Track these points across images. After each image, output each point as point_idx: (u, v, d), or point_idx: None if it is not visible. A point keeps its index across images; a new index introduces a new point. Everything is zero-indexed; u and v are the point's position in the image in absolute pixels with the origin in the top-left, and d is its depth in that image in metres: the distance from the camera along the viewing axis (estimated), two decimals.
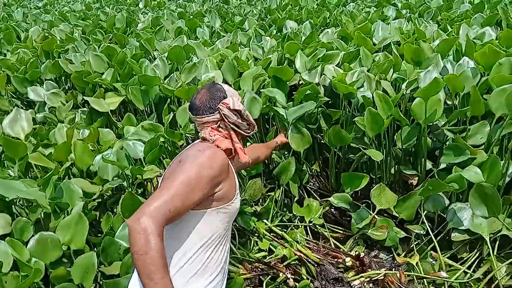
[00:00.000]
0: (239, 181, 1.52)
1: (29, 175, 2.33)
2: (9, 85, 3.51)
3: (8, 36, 4.50)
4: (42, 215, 1.90)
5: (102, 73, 3.14)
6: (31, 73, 3.37)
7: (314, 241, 2.28)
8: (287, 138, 2.33)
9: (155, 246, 1.08)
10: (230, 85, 1.54)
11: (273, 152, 2.42)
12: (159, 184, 1.43)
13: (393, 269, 1.96)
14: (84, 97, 3.04)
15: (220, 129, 1.44)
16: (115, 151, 2.08)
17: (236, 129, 1.45)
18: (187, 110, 1.62)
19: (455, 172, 1.82)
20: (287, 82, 2.65)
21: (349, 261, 1.95)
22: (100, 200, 2.11)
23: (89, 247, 1.80)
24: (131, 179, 2.11)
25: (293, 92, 2.60)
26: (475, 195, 1.66)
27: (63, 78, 3.64)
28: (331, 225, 2.40)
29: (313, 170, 2.69)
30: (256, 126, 1.51)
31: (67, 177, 2.14)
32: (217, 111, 1.42)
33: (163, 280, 1.08)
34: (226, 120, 1.42)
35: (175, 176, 1.24)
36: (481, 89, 2.24)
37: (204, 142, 1.43)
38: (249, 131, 1.49)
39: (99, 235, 1.92)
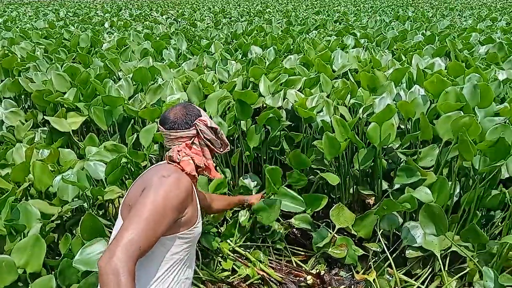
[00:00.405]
0: (201, 206, 1.51)
1: None
2: None
3: None
4: None
5: (64, 93, 3.10)
6: None
7: (277, 260, 2.32)
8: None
9: (126, 287, 1.05)
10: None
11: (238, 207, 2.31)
12: (120, 206, 1.38)
13: (352, 286, 2.03)
14: (44, 116, 2.98)
15: (193, 145, 1.43)
16: (75, 172, 2.05)
17: (210, 146, 1.45)
18: (156, 126, 1.61)
19: (407, 193, 1.93)
20: (251, 106, 2.73)
21: (310, 279, 2.00)
22: (59, 221, 2.06)
23: (46, 270, 1.74)
24: (91, 200, 2.08)
25: (256, 117, 2.68)
26: (424, 214, 1.77)
27: (22, 96, 3.55)
28: (293, 246, 2.45)
29: None
30: (229, 145, 1.53)
31: (24, 198, 2.08)
32: (193, 127, 1.42)
33: None
34: (202, 136, 1.42)
35: (141, 209, 1.18)
36: (430, 115, 2.41)
37: (169, 165, 1.39)
38: (221, 150, 1.49)
39: (57, 257, 1.87)
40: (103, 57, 3.97)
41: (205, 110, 2.79)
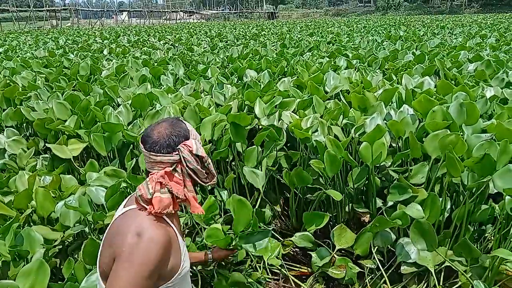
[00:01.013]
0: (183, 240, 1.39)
1: None
2: None
3: None
4: (1, 264, 1.87)
5: (65, 120, 3.19)
6: None
7: (276, 279, 2.35)
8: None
9: None
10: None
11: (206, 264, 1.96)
12: (98, 256, 1.25)
13: None
14: (46, 144, 3.05)
15: (175, 173, 1.22)
16: (77, 197, 2.11)
17: (194, 176, 1.24)
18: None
19: (399, 209, 1.99)
20: (246, 128, 2.81)
21: None
22: (61, 246, 2.11)
23: None
24: (93, 225, 2.14)
25: (252, 140, 2.75)
26: (414, 231, 1.83)
27: (24, 125, 3.64)
28: (291, 264, 2.48)
29: (274, 210, 2.81)
30: (215, 177, 1.32)
31: (27, 224, 2.13)
32: (177, 152, 1.21)
33: None
34: (185, 164, 1.22)
35: (118, 282, 1.09)
36: (420, 133, 2.50)
37: (139, 212, 1.20)
38: (207, 181, 1.27)
39: (60, 282, 1.91)
40: (102, 84, 4.08)
41: (199, 133, 2.88)
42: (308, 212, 2.44)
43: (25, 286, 1.70)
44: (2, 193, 2.36)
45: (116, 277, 1.10)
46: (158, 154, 1.21)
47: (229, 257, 1.96)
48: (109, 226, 1.24)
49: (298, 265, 2.46)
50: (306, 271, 2.39)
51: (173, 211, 1.22)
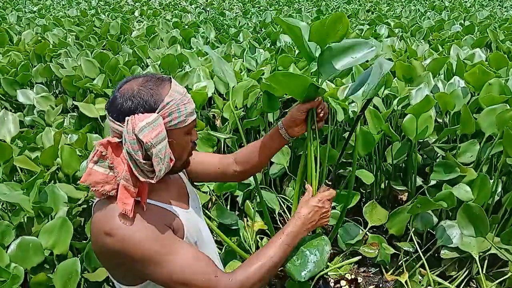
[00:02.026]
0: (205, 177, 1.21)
1: (15, 179, 2.27)
2: None
3: (0, 38, 4.46)
4: (25, 220, 1.85)
5: (93, 79, 3.12)
6: (21, 76, 3.32)
7: None
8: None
9: (248, 277, 0.95)
10: (188, 92, 0.99)
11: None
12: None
13: (381, 286, 1.94)
14: (73, 101, 3.00)
15: (123, 149, 0.91)
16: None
17: (130, 162, 0.89)
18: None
19: (445, 190, 1.82)
20: (280, 98, 2.64)
21: (345, 285, 1.92)
22: (85, 206, 2.06)
23: (72, 252, 1.74)
24: None
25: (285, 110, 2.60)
26: (462, 215, 1.66)
27: (53, 82, 3.61)
28: None
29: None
30: (155, 178, 0.91)
31: (52, 182, 2.09)
32: (124, 123, 0.89)
33: (281, 244, 1.02)
34: (123, 142, 0.89)
35: (154, 277, 0.92)
36: (470, 108, 2.26)
37: (105, 207, 0.93)
38: (145, 178, 0.90)
39: (83, 241, 1.87)
40: (132, 44, 3.98)
41: (229, 98, 2.73)
42: (337, 190, 2.28)
43: (47, 243, 1.66)
44: (30, 149, 2.33)
45: (163, 277, 0.92)
46: (109, 117, 0.92)
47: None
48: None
49: None
50: (334, 250, 2.27)
51: (108, 194, 0.92)
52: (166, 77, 0.97)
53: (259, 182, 2.45)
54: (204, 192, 2.19)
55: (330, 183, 1.20)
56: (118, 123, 0.91)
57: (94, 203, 0.99)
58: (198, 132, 2.08)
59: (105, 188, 0.91)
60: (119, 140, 0.92)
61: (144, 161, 0.89)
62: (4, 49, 4.12)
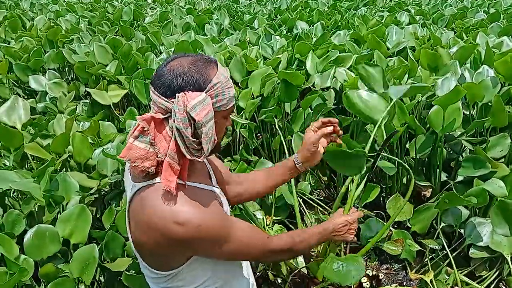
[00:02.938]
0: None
1: (26, 167, 2.23)
2: (11, 73, 3.42)
3: (13, 24, 4.42)
4: (36, 208, 1.80)
5: (106, 65, 3.05)
6: (33, 62, 3.28)
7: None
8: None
9: (292, 245, 1.11)
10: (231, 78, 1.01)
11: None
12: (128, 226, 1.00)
13: (405, 283, 1.86)
14: (86, 88, 2.95)
15: (166, 126, 0.91)
16: (115, 145, 1.98)
17: (179, 139, 0.88)
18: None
19: (476, 185, 1.71)
20: (298, 88, 2.53)
21: (366, 282, 1.84)
22: (97, 195, 2.01)
23: (90, 242, 1.69)
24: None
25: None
26: (497, 212, 1.55)
27: (66, 68, 3.56)
28: None
29: (320, 179, 2.59)
30: (204, 155, 0.91)
31: (64, 170, 2.04)
32: (173, 100, 0.88)
33: (318, 233, 1.19)
34: (173, 119, 0.88)
35: (219, 254, 0.98)
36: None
37: (152, 190, 0.92)
38: (191, 156, 0.90)
39: (98, 230, 1.82)
40: (145, 30, 3.90)
41: (247, 87, 2.63)
42: None
43: (64, 232, 1.61)
44: (41, 136, 2.28)
45: (218, 254, 0.98)
46: (156, 92, 0.91)
47: None
48: (130, 200, 0.96)
49: None
50: (355, 245, 2.19)
51: (147, 171, 0.91)
52: (213, 58, 0.96)
53: None
54: None
55: (358, 206, 1.48)
56: (166, 99, 0.89)
57: (135, 188, 0.94)
58: None
59: (145, 164, 0.90)
60: (163, 116, 0.90)
61: (193, 139, 0.88)
62: (17, 35, 4.08)
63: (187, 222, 0.88)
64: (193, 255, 0.97)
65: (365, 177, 1.53)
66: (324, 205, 2.33)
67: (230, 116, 1.01)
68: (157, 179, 0.92)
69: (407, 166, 1.61)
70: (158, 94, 0.89)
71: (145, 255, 0.98)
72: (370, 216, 2.01)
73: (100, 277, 1.69)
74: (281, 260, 1.18)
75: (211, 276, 1.03)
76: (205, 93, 0.89)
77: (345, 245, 1.85)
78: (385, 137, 1.43)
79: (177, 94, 0.87)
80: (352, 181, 1.48)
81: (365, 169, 1.32)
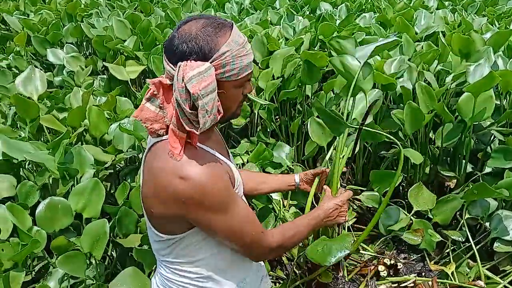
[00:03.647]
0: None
1: (41, 139, 2.21)
2: (29, 46, 3.41)
3: None
4: (50, 181, 1.78)
5: (125, 40, 3.00)
6: (52, 35, 3.25)
7: None
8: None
9: (282, 241, 1.05)
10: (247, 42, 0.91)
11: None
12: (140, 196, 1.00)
13: (423, 274, 1.80)
14: (104, 63, 2.91)
15: (173, 92, 0.87)
16: (132, 121, 1.94)
17: (177, 109, 0.85)
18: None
19: (507, 177, 1.62)
20: (321, 69, 2.44)
21: (383, 271, 1.78)
22: (112, 170, 1.99)
23: (102, 217, 1.67)
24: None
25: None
26: None
27: (84, 43, 3.52)
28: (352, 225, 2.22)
29: None
30: (203, 131, 0.87)
31: (79, 143, 2.01)
32: (176, 68, 0.84)
33: (308, 224, 1.14)
34: (173, 88, 0.85)
35: (214, 226, 0.93)
36: None
37: (162, 141, 0.91)
38: (190, 128, 0.86)
39: (111, 206, 1.79)
40: (164, 6, 3.83)
41: (267, 67, 2.55)
42: (377, 171, 2.11)
43: (77, 205, 1.59)
44: (58, 109, 2.26)
45: (211, 226, 0.93)
46: (164, 56, 0.89)
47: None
48: (144, 161, 0.96)
49: (363, 226, 2.19)
50: (372, 233, 2.13)
51: (157, 133, 0.90)
52: (228, 23, 0.90)
53: (292, 161, 2.31)
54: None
55: (345, 185, 1.38)
56: (171, 65, 0.87)
57: (150, 143, 0.95)
58: None
59: (154, 126, 0.90)
60: (170, 82, 0.88)
61: (191, 111, 0.85)
62: (36, 8, 4.05)
63: (190, 178, 0.86)
64: (187, 218, 0.91)
65: (350, 153, 1.46)
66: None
67: (248, 83, 0.95)
68: (166, 123, 0.91)
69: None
70: (166, 59, 0.88)
71: (150, 213, 0.96)
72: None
73: (112, 252, 1.67)
74: (271, 258, 1.10)
75: (217, 253, 1.00)
76: (210, 62, 0.84)
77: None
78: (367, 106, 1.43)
79: (179, 63, 0.83)
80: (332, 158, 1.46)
81: (344, 135, 1.38)
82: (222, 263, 1.01)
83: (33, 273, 1.57)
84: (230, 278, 1.03)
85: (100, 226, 1.48)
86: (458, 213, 1.82)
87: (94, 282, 1.45)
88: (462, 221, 1.73)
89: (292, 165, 2.20)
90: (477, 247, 1.73)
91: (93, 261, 1.49)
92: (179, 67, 0.83)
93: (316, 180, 1.38)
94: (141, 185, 0.97)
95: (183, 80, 0.82)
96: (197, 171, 0.87)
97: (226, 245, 0.99)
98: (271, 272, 1.81)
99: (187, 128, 0.86)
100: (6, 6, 4.26)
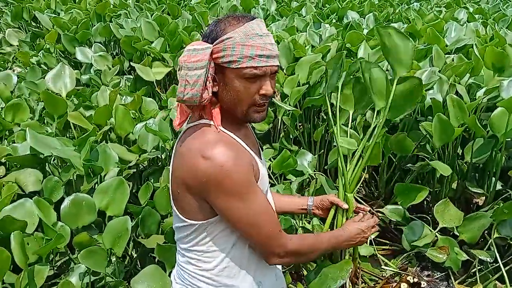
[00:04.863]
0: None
1: (68, 135, 2.24)
2: (58, 44, 3.48)
3: None
4: (75, 177, 1.80)
5: (152, 42, 3.03)
6: (81, 34, 3.31)
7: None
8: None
9: (299, 248, 1.02)
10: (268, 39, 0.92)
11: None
12: (170, 179, 1.02)
13: None
14: (131, 63, 2.94)
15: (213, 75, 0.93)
16: (157, 121, 1.95)
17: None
18: None
19: None
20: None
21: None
22: (135, 170, 1.99)
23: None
24: (170, 153, 1.98)
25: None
26: None
27: (112, 43, 3.58)
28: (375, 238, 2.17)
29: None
30: (184, 103, 0.92)
31: (104, 141, 2.03)
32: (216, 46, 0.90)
33: (328, 241, 1.10)
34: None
35: (240, 216, 0.94)
36: None
37: (202, 128, 0.94)
38: (178, 99, 0.92)
39: (135, 205, 1.80)
40: (192, 10, 3.86)
41: (293, 74, 2.52)
42: (403, 184, 2.06)
43: (101, 203, 1.60)
44: (84, 107, 2.29)
45: (230, 215, 0.94)
46: (205, 41, 0.94)
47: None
48: (178, 140, 1.00)
49: (385, 240, 2.14)
50: (395, 248, 2.07)
51: (196, 103, 0.91)
52: (250, 17, 0.94)
53: (314, 169, 2.28)
54: None
55: (374, 212, 1.28)
56: (216, 44, 0.91)
57: (183, 130, 0.99)
58: None
59: (192, 97, 0.91)
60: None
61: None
62: (67, 7, 4.14)
63: (212, 158, 0.88)
64: (208, 200, 0.93)
65: (359, 163, 1.33)
66: (364, 203, 2.21)
67: (263, 82, 0.92)
68: (201, 121, 0.95)
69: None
70: (207, 39, 0.94)
71: (176, 195, 0.98)
72: (414, 218, 1.89)
73: (133, 252, 1.67)
74: (285, 263, 1.07)
75: (233, 248, 1.00)
76: (213, 45, 0.90)
77: None
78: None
79: (218, 39, 0.91)
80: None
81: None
82: (238, 259, 1.01)
83: (55, 268, 1.58)
84: (244, 276, 1.02)
85: (122, 223, 1.48)
86: (486, 232, 1.75)
87: (114, 279, 1.45)
88: (491, 240, 1.67)
89: (315, 174, 2.17)
90: (506, 268, 1.66)
91: (114, 259, 1.49)
92: (217, 43, 0.90)
93: (333, 210, 1.26)
94: (170, 171, 1.01)
95: (218, 56, 0.90)
96: (220, 152, 0.89)
97: (244, 241, 0.99)
98: (291, 285, 1.77)
99: (178, 96, 0.91)
100: (38, 4, 4.38)
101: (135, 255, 1.66)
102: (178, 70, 0.91)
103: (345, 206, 1.25)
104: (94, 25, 3.53)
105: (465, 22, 3.67)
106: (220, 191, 0.90)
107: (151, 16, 3.48)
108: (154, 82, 2.74)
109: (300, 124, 2.66)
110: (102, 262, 1.35)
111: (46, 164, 1.90)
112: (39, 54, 3.22)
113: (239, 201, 0.91)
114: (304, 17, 3.84)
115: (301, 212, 1.30)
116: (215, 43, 0.90)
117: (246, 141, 1.00)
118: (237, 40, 0.89)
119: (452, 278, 1.79)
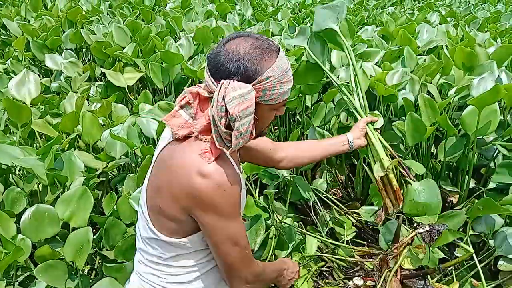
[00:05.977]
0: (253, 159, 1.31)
1: (34, 145, 2.16)
2: (28, 52, 3.38)
3: (34, 3, 4.38)
4: (39, 188, 1.72)
5: (124, 47, 2.97)
6: (51, 40, 3.22)
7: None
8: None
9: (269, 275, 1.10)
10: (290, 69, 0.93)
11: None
12: (144, 187, 1.02)
13: None
14: (101, 69, 2.87)
15: (208, 105, 0.90)
16: (126, 127, 1.89)
17: (213, 129, 0.88)
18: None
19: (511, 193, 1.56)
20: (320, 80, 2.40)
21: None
22: (103, 178, 1.92)
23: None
24: (140, 160, 1.92)
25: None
26: None
27: (83, 49, 3.50)
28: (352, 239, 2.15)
29: (337, 177, 2.45)
30: (234, 150, 0.90)
31: (72, 149, 1.95)
32: (218, 84, 0.87)
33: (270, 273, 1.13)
34: (212, 104, 0.87)
35: (217, 234, 0.94)
36: None
37: (201, 143, 0.92)
38: (221, 146, 0.89)
39: (99, 216, 1.73)
40: (166, 15, 3.82)
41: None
42: (374, 184, 2.05)
43: (64, 214, 1.52)
44: (52, 115, 2.21)
45: (210, 231, 0.94)
46: (207, 69, 0.90)
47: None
48: (161, 150, 0.97)
49: (361, 241, 2.12)
50: (371, 249, 2.05)
51: (181, 137, 0.92)
52: (276, 46, 0.91)
53: (289, 172, 2.25)
54: None
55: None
56: (213, 80, 0.88)
57: (171, 139, 0.95)
58: None
59: (180, 132, 0.91)
60: (207, 95, 0.91)
61: (225, 130, 0.87)
62: (37, 14, 4.04)
63: (210, 176, 0.87)
64: (191, 214, 0.92)
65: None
66: (341, 205, 2.19)
67: (283, 106, 0.97)
68: (194, 134, 0.93)
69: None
70: (208, 73, 0.89)
71: (156, 209, 0.95)
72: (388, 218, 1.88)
73: (99, 265, 1.60)
74: None
75: (202, 264, 1.03)
76: (252, 85, 0.86)
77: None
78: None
79: (222, 81, 0.85)
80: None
81: None
82: (204, 277, 1.03)
83: (16, 283, 1.50)
84: None
85: (83, 234, 1.40)
86: (461, 229, 1.75)
87: None
88: (466, 237, 1.67)
89: (290, 176, 2.14)
90: (481, 265, 1.66)
91: (79, 272, 1.42)
92: (221, 85, 0.85)
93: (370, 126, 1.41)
94: (147, 181, 0.98)
95: (223, 99, 0.84)
96: (218, 171, 0.88)
97: (212, 262, 1.02)
98: None
99: (217, 145, 0.88)
100: (7, 12, 4.26)
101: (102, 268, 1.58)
102: (231, 121, 0.85)
103: (375, 118, 1.42)
104: (65, 32, 3.44)
105: (437, 25, 3.74)
106: (211, 209, 0.89)
107: (124, 22, 3.42)
108: (126, 88, 2.67)
109: (275, 127, 2.64)
110: (62, 276, 1.28)
111: (10, 175, 1.82)
112: (6, 62, 3.11)
113: (226, 220, 0.91)
114: (279, 21, 3.84)
115: (343, 149, 1.36)
116: (255, 82, 0.86)
117: (235, 158, 0.99)
118: (277, 78, 0.88)
119: (429, 276, 1.78)
